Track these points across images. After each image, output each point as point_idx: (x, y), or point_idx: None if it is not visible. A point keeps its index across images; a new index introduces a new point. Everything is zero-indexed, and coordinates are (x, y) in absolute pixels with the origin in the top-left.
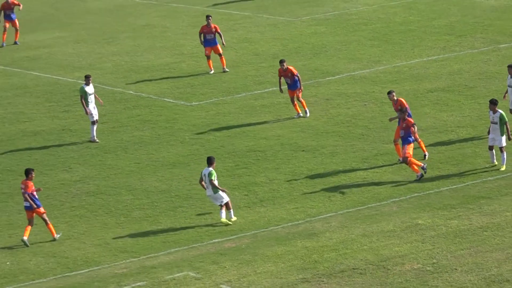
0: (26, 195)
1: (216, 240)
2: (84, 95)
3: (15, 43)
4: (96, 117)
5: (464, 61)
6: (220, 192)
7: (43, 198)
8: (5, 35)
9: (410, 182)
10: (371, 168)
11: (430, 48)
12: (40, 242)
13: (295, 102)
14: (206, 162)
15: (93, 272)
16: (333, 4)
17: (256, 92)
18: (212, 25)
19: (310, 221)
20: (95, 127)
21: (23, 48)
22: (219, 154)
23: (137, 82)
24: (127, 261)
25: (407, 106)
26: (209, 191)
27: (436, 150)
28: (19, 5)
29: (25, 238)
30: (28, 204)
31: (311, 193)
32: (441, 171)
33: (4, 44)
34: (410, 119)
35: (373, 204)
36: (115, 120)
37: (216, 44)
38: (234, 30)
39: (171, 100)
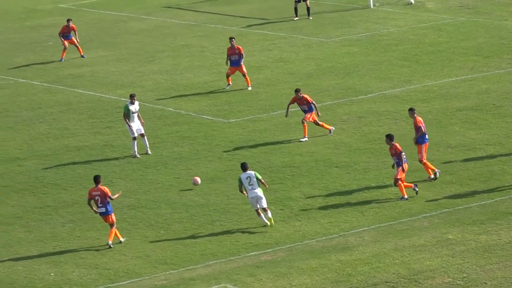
0: (114, 197)
1: (253, 253)
2: (127, 113)
3: (82, 56)
4: (141, 131)
5: (491, 81)
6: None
7: (86, 211)
8: (64, 53)
9: (441, 198)
10: None
11: (459, 69)
12: (82, 252)
13: (320, 123)
14: (242, 168)
15: (134, 284)
16: (365, 26)
17: (291, 109)
18: (236, 47)
19: (344, 235)
20: (136, 143)
21: (68, 66)
22: (255, 169)
23: (177, 99)
24: (167, 273)
25: (421, 125)
26: (255, 192)
27: (465, 167)
28: (75, 31)
29: (123, 239)
30: (104, 210)
31: (344, 208)
32: (470, 187)
33: (63, 60)
34: (398, 146)
35: (404, 219)
36: (155, 136)
37: (240, 65)
38: (270, 50)
39: (209, 117)
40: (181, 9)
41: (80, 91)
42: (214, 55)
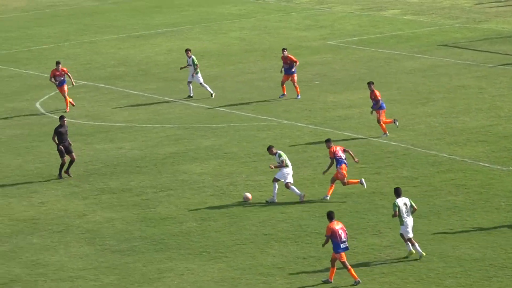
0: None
1: None
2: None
3: (297, 97)
4: (286, 181)
5: None
6: None
7: (351, 263)
8: (284, 87)
9: None
10: None
11: None
12: None
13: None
14: (396, 194)
15: None
16: None
17: None
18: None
19: None
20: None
21: (335, 107)
22: None
23: (451, 144)
24: None
25: None
26: (411, 220)
27: None
28: (296, 62)
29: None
30: (346, 245)
31: None
32: None
33: (284, 95)
34: None
35: None
36: (427, 183)
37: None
38: None
39: (487, 164)
40: (458, 47)
41: (347, 133)
42: (493, 98)
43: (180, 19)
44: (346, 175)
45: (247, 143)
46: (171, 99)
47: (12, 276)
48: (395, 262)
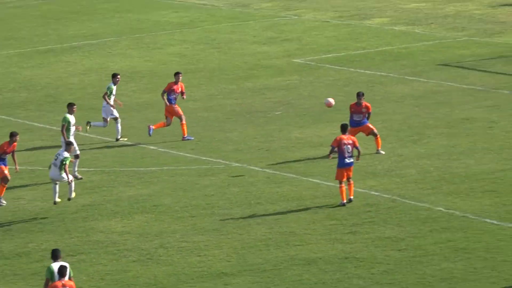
0: None
1: None
2: None
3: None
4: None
5: None
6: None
7: None
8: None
9: None
10: None
11: None
12: None
13: None
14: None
15: None
16: None
17: None
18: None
19: None
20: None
21: (301, 146)
22: None
23: (450, 195)
24: None
25: None
26: None
27: None
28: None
29: None
30: None
31: None
32: None
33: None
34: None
35: None
36: (416, 246)
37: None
38: None
39: (495, 222)
40: (463, 67)
41: (315, 180)
42: (507, 134)
43: (102, 29)
44: None
45: (184, 192)
46: (86, 134)
47: None
48: None
